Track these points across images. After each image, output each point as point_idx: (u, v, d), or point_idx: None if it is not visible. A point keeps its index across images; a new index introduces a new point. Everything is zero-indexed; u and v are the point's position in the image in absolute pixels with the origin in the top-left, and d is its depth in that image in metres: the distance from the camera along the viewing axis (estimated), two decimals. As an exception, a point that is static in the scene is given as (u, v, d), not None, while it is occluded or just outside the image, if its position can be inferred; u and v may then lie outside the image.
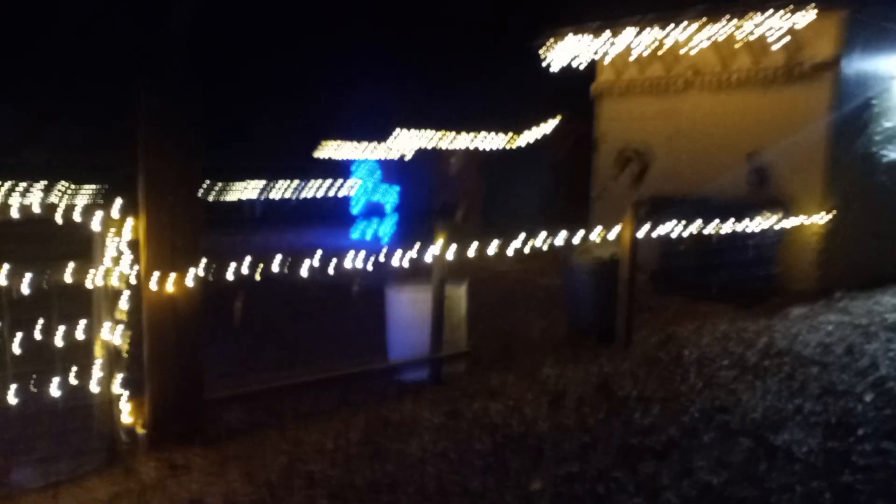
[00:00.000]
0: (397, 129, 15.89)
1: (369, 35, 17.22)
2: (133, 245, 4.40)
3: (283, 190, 18.75)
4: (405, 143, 15.60)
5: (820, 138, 9.16)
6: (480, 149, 14.23)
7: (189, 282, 4.50)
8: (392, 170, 16.87)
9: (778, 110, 9.47)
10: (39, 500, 4.08)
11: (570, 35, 11.25)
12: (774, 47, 9.17)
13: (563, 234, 6.66)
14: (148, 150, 4.30)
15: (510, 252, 6.35)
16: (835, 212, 9.19)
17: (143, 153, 4.29)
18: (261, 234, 16.39)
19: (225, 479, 4.22)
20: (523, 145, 13.70)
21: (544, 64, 11.66)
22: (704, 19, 9.56)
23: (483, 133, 13.95)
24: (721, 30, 9.44)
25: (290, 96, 18.07)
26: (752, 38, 9.28)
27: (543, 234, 6.44)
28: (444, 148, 15.25)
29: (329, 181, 18.31)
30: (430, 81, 16.61)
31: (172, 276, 4.43)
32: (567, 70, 11.71)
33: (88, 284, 4.32)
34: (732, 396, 5.52)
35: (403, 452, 4.51)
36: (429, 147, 15.29)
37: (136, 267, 4.41)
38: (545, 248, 6.57)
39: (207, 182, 17.33)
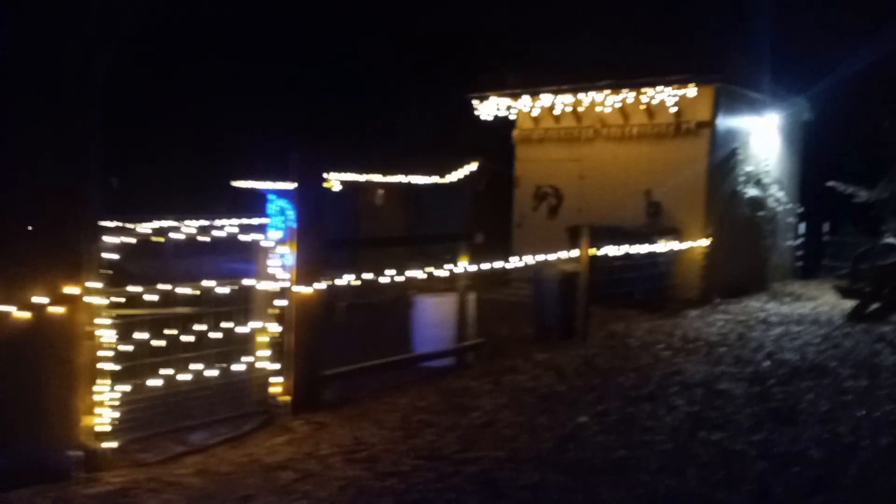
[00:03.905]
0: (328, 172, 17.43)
1: (310, 81, 18.74)
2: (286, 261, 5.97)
3: (201, 223, 19.60)
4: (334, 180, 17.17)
5: (700, 179, 11.84)
6: (406, 183, 16.10)
7: (319, 288, 6.11)
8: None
9: (668, 157, 12.08)
10: (229, 449, 5.51)
11: (494, 97, 13.49)
12: (666, 109, 11.79)
13: (537, 256, 8.71)
14: (299, 209, 6.05)
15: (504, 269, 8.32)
16: (712, 236, 11.86)
17: (296, 211, 6.02)
18: (183, 262, 17.30)
19: (361, 428, 5.83)
20: (446, 182, 15.68)
21: (473, 114, 13.83)
22: (609, 91, 12.09)
23: (412, 172, 15.83)
24: (623, 98, 11.98)
25: (220, 140, 19.23)
26: (647, 104, 11.88)
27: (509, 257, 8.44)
28: (369, 181, 16.95)
29: (249, 216, 19.41)
30: (364, 129, 18.33)
31: (308, 284, 6.03)
32: (488, 119, 13.94)
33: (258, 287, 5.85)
34: (677, 366, 7.73)
35: (479, 406, 6.31)
36: (356, 181, 16.94)
37: (287, 277, 5.97)
38: (519, 267, 8.60)
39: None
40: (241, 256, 18.56)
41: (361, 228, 16.76)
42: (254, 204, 19.90)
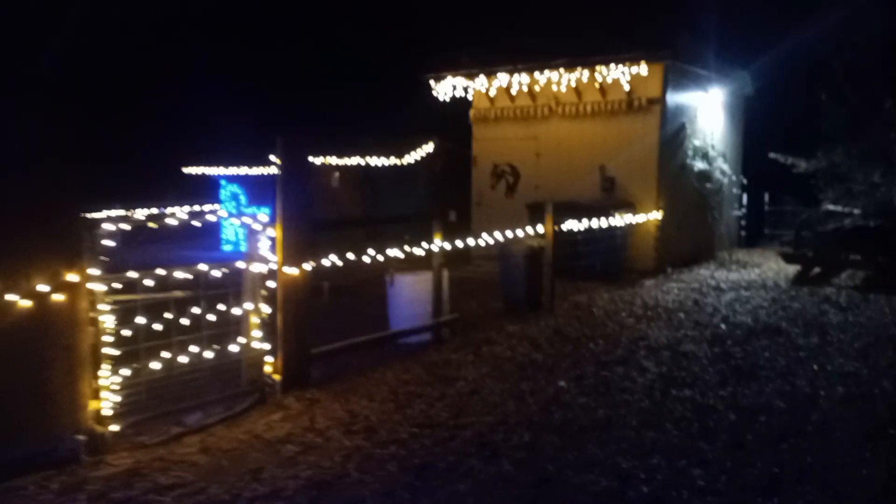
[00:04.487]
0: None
1: (265, 64, 18.57)
2: (272, 244, 6.13)
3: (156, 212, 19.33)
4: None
5: (652, 154, 12.31)
6: (363, 165, 16.21)
7: (306, 269, 6.29)
8: (267, 186, 18.33)
9: (621, 134, 12.51)
10: (227, 428, 5.67)
11: (450, 77, 13.71)
12: (618, 87, 12.19)
13: (503, 233, 9.00)
14: (284, 192, 6.15)
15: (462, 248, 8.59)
16: (664, 209, 12.36)
17: (281, 194, 6.13)
18: (134, 251, 17.10)
19: (353, 402, 6.06)
20: (404, 164, 15.85)
21: (428, 94, 14.02)
22: (563, 70, 12.42)
23: (368, 154, 15.94)
24: (576, 76, 12.34)
25: (171, 124, 18.95)
26: (600, 81, 12.26)
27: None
28: (324, 164, 17.00)
29: (201, 202, 19.24)
30: (320, 111, 18.30)
31: (296, 266, 6.21)
32: (445, 100, 14.16)
33: (249, 269, 5.99)
34: (641, 331, 8.16)
35: (462, 376, 6.60)
36: (312, 164, 16.94)
37: (274, 259, 6.13)
38: (480, 245, 8.88)
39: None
40: (194, 243, 18.47)
41: (318, 211, 16.83)
42: (205, 190, 19.74)
